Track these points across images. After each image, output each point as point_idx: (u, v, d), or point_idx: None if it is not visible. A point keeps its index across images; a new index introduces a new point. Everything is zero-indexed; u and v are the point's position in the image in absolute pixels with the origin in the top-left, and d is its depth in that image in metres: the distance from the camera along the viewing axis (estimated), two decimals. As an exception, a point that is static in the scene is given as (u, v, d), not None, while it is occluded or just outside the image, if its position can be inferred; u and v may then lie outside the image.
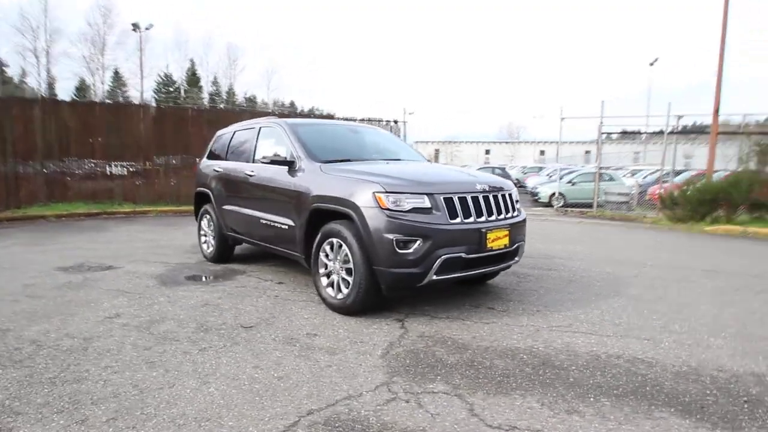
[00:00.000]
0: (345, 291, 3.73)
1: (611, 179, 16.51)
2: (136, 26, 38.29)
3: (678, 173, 13.92)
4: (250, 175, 4.93)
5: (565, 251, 6.69)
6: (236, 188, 5.25)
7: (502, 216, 3.88)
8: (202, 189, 6.04)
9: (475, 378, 2.71)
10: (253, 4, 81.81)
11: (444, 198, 3.57)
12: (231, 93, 56.90)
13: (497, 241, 3.74)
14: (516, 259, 4.14)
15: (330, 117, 14.54)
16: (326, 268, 3.95)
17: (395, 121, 16.57)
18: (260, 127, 5.17)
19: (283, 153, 4.41)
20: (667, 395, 2.53)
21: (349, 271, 3.71)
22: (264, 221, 4.68)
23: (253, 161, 5.06)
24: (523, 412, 2.34)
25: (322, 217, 3.99)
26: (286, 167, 4.42)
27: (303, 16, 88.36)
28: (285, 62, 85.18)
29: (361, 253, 3.55)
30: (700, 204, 9.79)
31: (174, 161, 12.58)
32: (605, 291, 4.58)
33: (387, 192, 3.50)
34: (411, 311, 3.87)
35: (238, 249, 6.03)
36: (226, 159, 5.72)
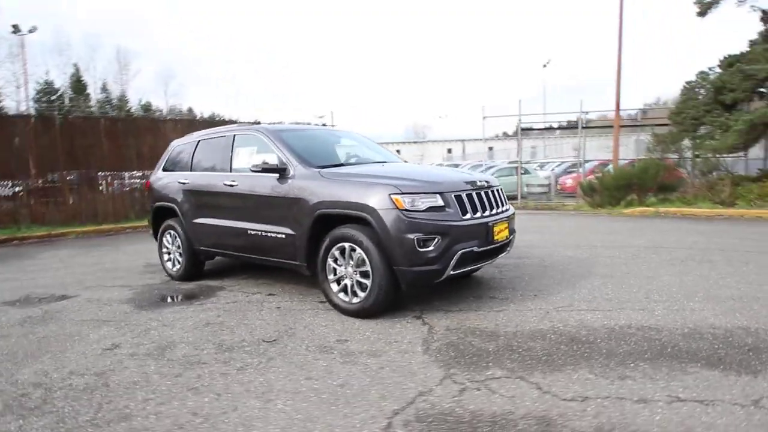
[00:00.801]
0: (362, 294, 3.73)
1: (526, 172, 17.83)
2: (16, 28, 34.01)
3: (587, 162, 15.40)
4: (231, 186, 4.72)
5: (521, 241, 7.17)
6: (212, 200, 4.98)
7: (500, 209, 4.13)
8: (162, 204, 5.63)
9: (522, 361, 2.89)
10: (144, 4, 76.13)
11: (454, 195, 3.73)
12: (123, 100, 52.62)
13: (501, 233, 3.98)
14: (508, 249, 4.42)
15: (232, 122, 14.05)
16: (335, 274, 3.92)
17: (323, 125, 16.49)
18: (234, 135, 4.96)
19: (272, 160, 4.29)
20: (687, 353, 2.90)
21: (363, 274, 3.72)
22: (252, 232, 4.50)
23: (231, 170, 4.85)
24: (584, 384, 2.56)
25: (327, 223, 3.95)
26: (277, 175, 4.31)
27: (205, 18, 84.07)
28: (184, 67, 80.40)
29: (379, 255, 3.59)
30: (616, 189, 10.99)
31: (86, 177, 11.45)
32: (579, 272, 5.04)
33: (403, 193, 3.58)
34: (424, 308, 3.97)
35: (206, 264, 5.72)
36: (191, 170, 5.40)
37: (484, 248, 3.83)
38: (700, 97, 12.57)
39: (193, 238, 5.23)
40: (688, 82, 13.23)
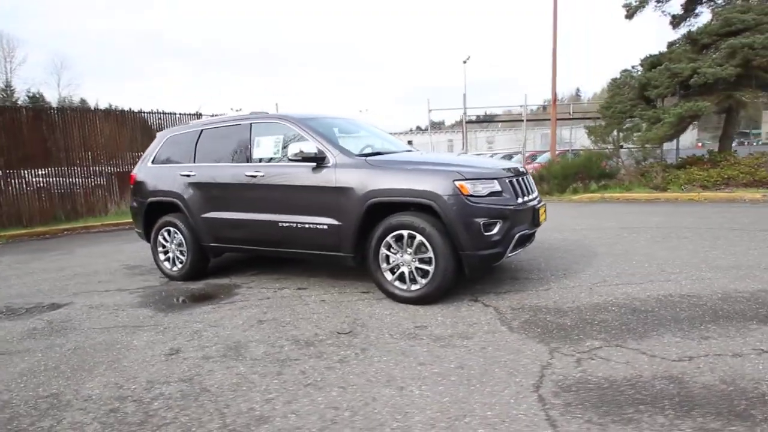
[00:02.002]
0: (423, 281, 3.75)
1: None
2: None
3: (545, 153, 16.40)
4: (253, 176, 4.47)
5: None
6: (228, 193, 4.68)
7: (535, 194, 4.34)
8: (159, 199, 5.17)
9: (606, 331, 3.10)
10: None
11: (508, 181, 3.87)
12: (9, 89, 46.73)
13: (543, 216, 4.19)
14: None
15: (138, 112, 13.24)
16: (388, 262, 3.90)
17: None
18: (251, 124, 4.69)
19: (309, 149, 4.12)
20: (737, 313, 3.28)
21: (423, 261, 3.74)
22: (285, 224, 4.31)
23: (251, 161, 4.59)
24: (678, 346, 2.81)
25: (378, 211, 3.91)
26: (312, 164, 4.16)
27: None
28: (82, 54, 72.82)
29: (444, 241, 3.63)
30: (563, 178, 11.86)
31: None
32: (585, 252, 5.43)
33: (466, 179, 3.64)
34: (472, 292, 4.07)
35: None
36: (195, 162, 5.02)
37: (532, 231, 4.02)
38: (625, 93, 13.88)
39: (203, 234, 4.89)
40: (614, 79, 14.54)
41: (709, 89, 11.21)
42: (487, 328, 3.26)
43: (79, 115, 11.83)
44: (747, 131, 57.13)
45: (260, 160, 4.57)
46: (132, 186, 5.57)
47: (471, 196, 3.61)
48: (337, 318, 3.63)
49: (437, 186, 3.65)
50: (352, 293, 4.26)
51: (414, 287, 3.80)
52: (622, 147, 12.76)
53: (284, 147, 4.43)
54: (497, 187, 3.75)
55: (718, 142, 13.52)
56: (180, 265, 5.13)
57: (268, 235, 4.47)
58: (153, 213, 5.31)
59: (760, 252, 5.00)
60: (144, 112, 12.65)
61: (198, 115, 13.78)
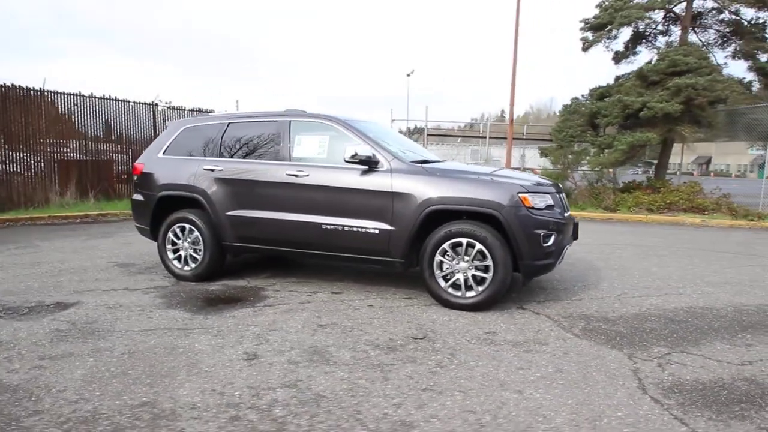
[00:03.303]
0: (480, 288, 3.85)
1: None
2: None
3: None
4: (295, 176, 4.34)
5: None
6: (264, 191, 4.48)
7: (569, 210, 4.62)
8: (175, 193, 4.84)
9: (663, 338, 3.37)
10: None
11: (558, 196, 4.09)
12: None
13: (578, 229, 4.47)
14: None
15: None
16: (442, 269, 3.96)
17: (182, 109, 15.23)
18: (290, 122, 4.55)
19: (364, 152, 4.09)
20: (759, 324, 3.72)
21: (479, 269, 3.85)
22: (329, 227, 4.22)
23: (290, 160, 4.45)
24: (733, 353, 3.13)
25: (434, 219, 3.96)
26: (362, 167, 4.14)
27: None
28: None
29: (503, 250, 3.76)
30: (525, 194, 12.52)
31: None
32: (588, 266, 5.81)
33: (528, 192, 3.81)
34: (514, 302, 4.23)
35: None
36: (220, 156, 4.76)
37: (571, 243, 4.28)
38: (575, 119, 15.00)
39: (226, 233, 4.64)
40: (565, 106, 15.67)
41: (652, 122, 12.44)
42: (555, 335, 3.42)
43: (22, 94, 10.63)
44: (652, 161, 63.52)
45: (301, 160, 4.45)
46: (137, 177, 5.15)
47: (532, 208, 3.79)
48: (399, 323, 3.63)
49: (502, 197, 3.78)
50: (394, 299, 4.26)
51: (469, 294, 3.89)
52: (576, 170, 13.74)
53: (330, 148, 4.35)
54: (550, 201, 3.96)
55: (653, 170, 15.01)
56: (194, 265, 4.81)
57: (308, 236, 4.35)
58: (163, 208, 4.95)
59: (737, 270, 5.67)
60: (94, 97, 11.63)
61: (155, 105, 12.95)
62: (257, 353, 3.03)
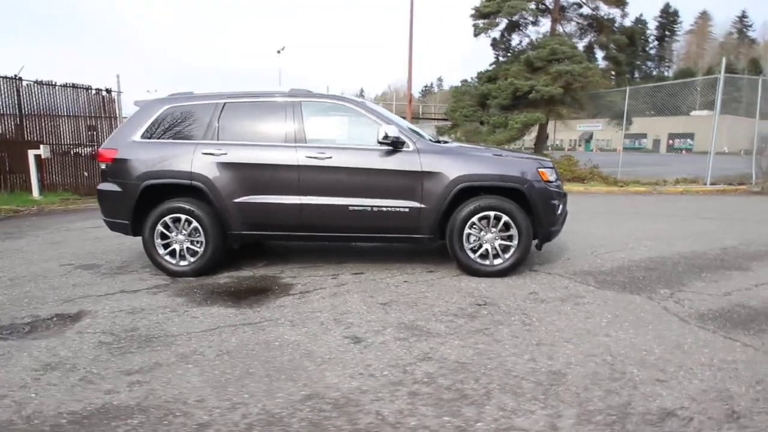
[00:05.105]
0: (506, 256, 4.26)
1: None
2: None
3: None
4: (317, 158, 4.23)
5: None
6: (282, 175, 4.28)
7: (555, 182, 5.25)
8: (169, 181, 4.34)
9: (658, 281, 4.14)
10: None
11: (556, 170, 4.66)
12: None
13: (564, 200, 5.13)
14: None
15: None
16: (469, 241, 4.28)
17: (108, 90, 13.42)
18: (301, 102, 4.38)
19: (392, 133, 4.16)
20: (705, 265, 4.75)
21: (507, 238, 4.26)
22: (357, 208, 4.24)
23: (304, 141, 4.31)
24: (712, 288, 4.01)
25: (462, 195, 4.25)
26: (387, 148, 4.23)
27: None
28: None
29: (526, 220, 4.22)
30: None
31: None
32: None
33: (545, 167, 4.30)
34: (521, 269, 4.72)
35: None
36: (218, 139, 4.39)
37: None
38: (466, 100, 16.31)
39: (234, 221, 4.35)
40: (456, 87, 16.92)
41: (536, 103, 14.17)
42: (582, 290, 4.00)
43: None
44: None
45: (317, 142, 4.34)
46: (108, 165, 4.48)
47: (549, 181, 4.29)
48: (450, 294, 3.87)
49: (527, 173, 4.22)
50: (420, 273, 4.47)
51: (497, 261, 4.29)
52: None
53: (351, 130, 4.33)
54: (554, 175, 4.52)
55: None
56: (192, 259, 4.42)
57: (332, 219, 4.31)
58: (147, 199, 4.41)
59: (651, 227, 6.93)
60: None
61: (18, 80, 10.78)
62: (357, 336, 3.05)
